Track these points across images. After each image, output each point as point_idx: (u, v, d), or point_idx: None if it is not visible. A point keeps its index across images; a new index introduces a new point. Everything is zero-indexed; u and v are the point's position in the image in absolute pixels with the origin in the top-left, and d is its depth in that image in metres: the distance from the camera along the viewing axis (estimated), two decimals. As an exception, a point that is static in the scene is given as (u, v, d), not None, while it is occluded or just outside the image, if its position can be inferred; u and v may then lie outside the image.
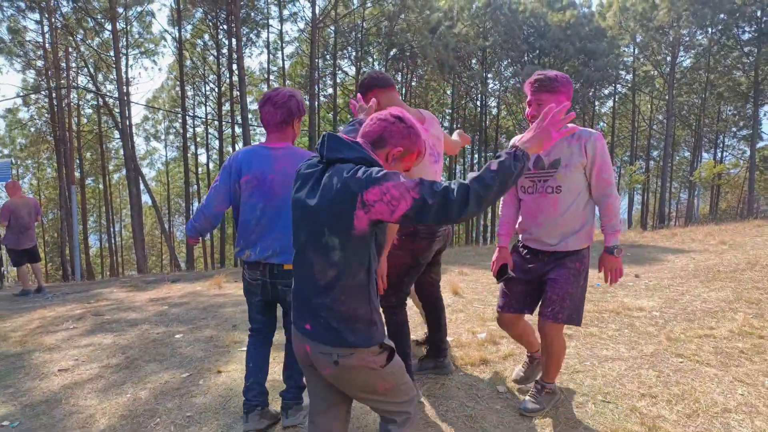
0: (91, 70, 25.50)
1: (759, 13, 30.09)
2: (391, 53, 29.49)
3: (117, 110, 23.87)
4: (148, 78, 63.95)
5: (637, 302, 5.15)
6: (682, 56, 33.49)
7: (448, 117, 34.64)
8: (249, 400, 2.84)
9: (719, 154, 38.24)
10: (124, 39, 24.94)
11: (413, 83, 33.27)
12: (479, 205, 1.58)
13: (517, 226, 2.95)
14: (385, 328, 1.93)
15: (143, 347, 4.41)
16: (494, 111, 36.55)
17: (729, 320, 4.36)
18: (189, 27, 27.51)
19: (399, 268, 2.95)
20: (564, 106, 1.87)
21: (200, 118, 33.05)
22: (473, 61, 33.09)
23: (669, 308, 4.90)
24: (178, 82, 28.32)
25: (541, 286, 2.88)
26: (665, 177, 33.35)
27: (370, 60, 31.47)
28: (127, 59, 25.19)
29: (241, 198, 2.76)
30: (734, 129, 36.79)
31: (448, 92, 33.91)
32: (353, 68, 30.46)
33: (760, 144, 35.57)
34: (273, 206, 2.69)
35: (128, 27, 24.95)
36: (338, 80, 29.70)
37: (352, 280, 1.67)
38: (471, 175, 1.62)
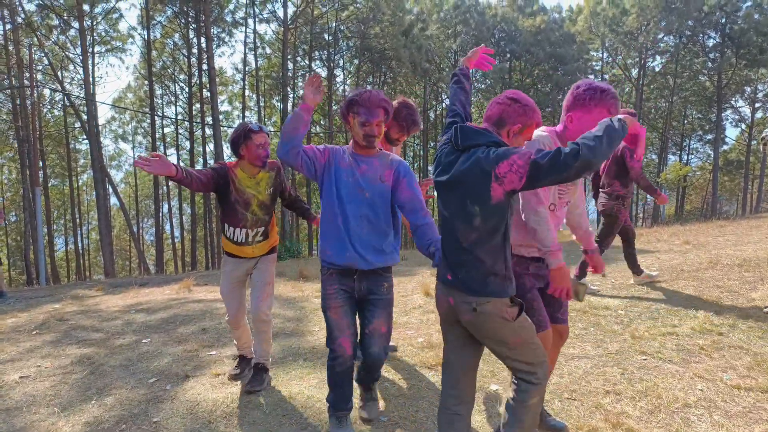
0: (56, 68, 24.85)
1: (723, 20, 31.08)
2: (364, 55, 29.51)
3: (83, 110, 23.34)
4: (115, 77, 62.55)
5: (604, 301, 5.26)
6: (650, 61, 34.36)
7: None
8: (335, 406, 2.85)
9: (685, 157, 39.31)
10: (91, 37, 24.34)
11: (385, 86, 33.35)
12: (592, 154, 1.83)
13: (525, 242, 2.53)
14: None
15: (109, 353, 4.32)
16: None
17: (691, 318, 4.49)
18: (159, 26, 27.03)
19: None
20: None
21: (170, 118, 32.53)
22: (442, 63, 33.36)
23: (634, 307, 5.01)
24: (146, 82, 27.81)
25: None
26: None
27: (342, 62, 31.46)
28: (93, 58, 24.62)
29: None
30: (700, 132, 37.86)
31: (419, 93, 34.08)
32: (326, 70, 30.37)
33: (723, 147, 36.76)
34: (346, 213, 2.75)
35: (93, 24, 24.36)
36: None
37: (490, 241, 2.01)
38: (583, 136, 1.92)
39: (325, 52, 29.36)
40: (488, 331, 2.08)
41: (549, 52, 30.24)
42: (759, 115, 34.87)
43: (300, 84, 29.76)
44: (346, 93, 2.73)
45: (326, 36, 28.77)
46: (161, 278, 9.69)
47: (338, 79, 31.84)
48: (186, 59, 28.17)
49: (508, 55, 31.89)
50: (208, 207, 29.37)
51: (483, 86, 33.55)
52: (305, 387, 3.45)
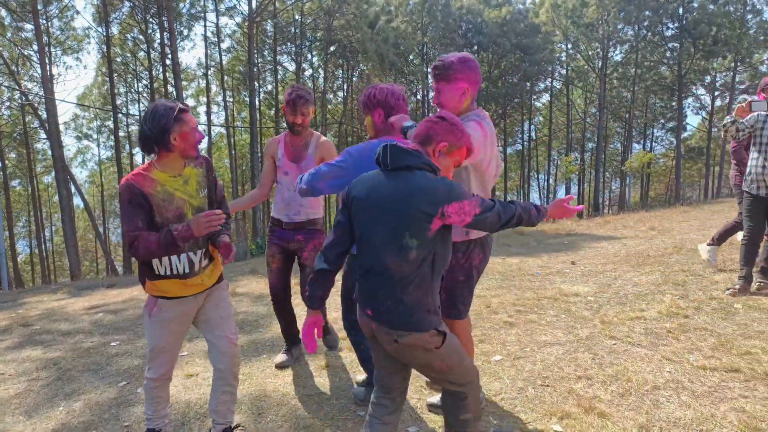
0: (11, 65, 23.98)
1: (681, 11, 31.84)
2: (331, 49, 29.31)
3: (43, 108, 22.60)
4: (74, 75, 60.74)
5: (573, 288, 5.36)
6: (612, 52, 34.99)
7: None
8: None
9: (649, 145, 40.24)
10: (47, 36, 23.54)
11: (354, 79, 33.20)
12: (505, 226, 2.03)
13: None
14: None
15: (76, 358, 4.21)
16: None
17: (658, 302, 4.60)
18: (116, 22, 26.27)
19: None
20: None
21: (134, 116, 31.76)
22: (411, 56, 33.38)
23: (603, 293, 5.12)
24: (108, 79, 27.06)
25: None
26: (598, 167, 34.81)
27: (310, 56, 31.18)
28: (50, 56, 23.81)
29: None
30: (662, 121, 38.80)
31: (390, 87, 34.00)
32: (293, 64, 30.07)
33: (685, 134, 37.78)
34: None
35: (48, 23, 23.56)
36: (279, 76, 29.21)
37: (418, 273, 1.94)
38: (515, 203, 2.04)
39: (292, 45, 29.03)
40: (412, 358, 2.03)
41: (515, 43, 30.53)
42: (719, 102, 35.91)
43: (269, 78, 29.44)
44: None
45: (292, 29, 28.44)
46: (129, 279, 9.48)
47: (306, 74, 31.57)
48: (146, 55, 27.50)
49: (476, 47, 32.07)
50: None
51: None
52: (280, 384, 3.42)
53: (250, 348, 4.18)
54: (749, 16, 31.53)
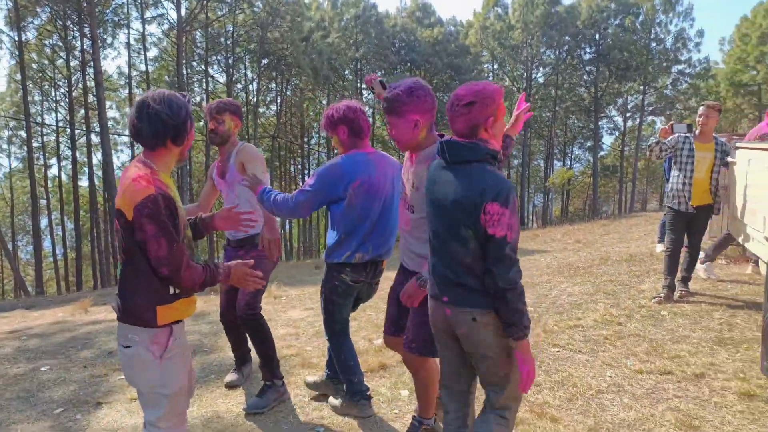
0: None
1: (597, 37, 34.13)
2: (264, 61, 28.99)
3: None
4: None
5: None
6: (535, 73, 36.88)
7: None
8: (366, 391, 3.07)
9: (569, 163, 42.52)
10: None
11: (288, 93, 32.97)
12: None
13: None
14: None
15: (2, 384, 3.88)
16: (370, 120, 37.38)
17: (592, 311, 4.88)
18: (33, 28, 24.74)
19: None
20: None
21: (49, 125, 29.87)
22: (346, 71, 33.63)
23: (541, 303, 5.36)
24: (20, 86, 25.34)
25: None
26: (524, 183, 36.39)
27: (242, 68, 30.67)
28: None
29: (351, 203, 2.76)
30: (580, 140, 41.16)
31: (324, 102, 34.05)
32: (224, 75, 29.44)
33: (601, 153, 40.27)
34: (384, 207, 2.83)
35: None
36: (210, 88, 28.50)
37: (479, 262, 1.97)
38: None
39: (223, 56, 28.45)
40: (483, 342, 2.01)
41: (446, 62, 31.51)
42: (630, 123, 38.61)
43: (197, 89, 28.65)
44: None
45: (223, 40, 27.90)
46: (50, 299, 8.88)
47: (239, 86, 31.00)
48: (65, 62, 26.03)
49: (409, 65, 32.79)
50: (95, 221, 27.25)
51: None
52: (233, 404, 3.33)
53: (197, 369, 4.03)
54: (653, 45, 34.27)
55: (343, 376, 3.04)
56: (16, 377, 4.03)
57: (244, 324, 3.24)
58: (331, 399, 3.20)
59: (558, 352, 3.92)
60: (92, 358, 4.40)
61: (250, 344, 3.51)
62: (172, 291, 1.97)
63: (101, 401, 3.47)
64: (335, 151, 3.01)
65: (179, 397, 2.02)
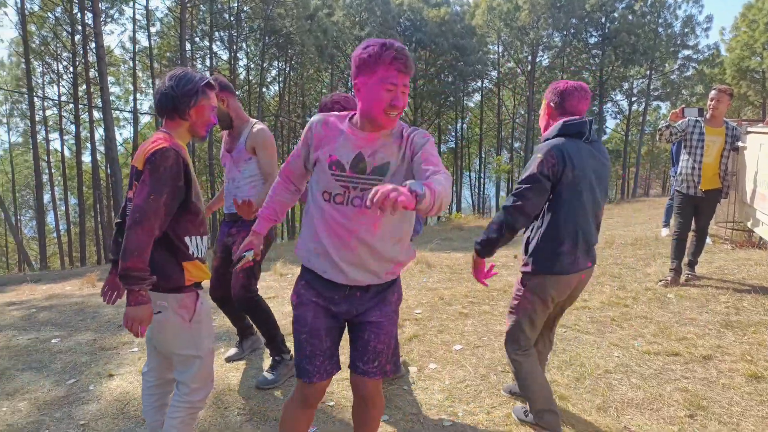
0: None
1: (603, 20, 33.72)
2: (268, 40, 28.71)
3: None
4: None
5: (520, 281, 5.59)
6: (540, 56, 36.53)
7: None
8: None
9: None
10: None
11: (291, 73, 32.69)
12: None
13: (304, 248, 2.04)
14: None
15: (13, 356, 3.92)
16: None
17: (599, 293, 4.90)
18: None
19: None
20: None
21: (51, 99, 29.71)
22: (349, 50, 33.33)
23: (547, 285, 5.37)
24: (23, 59, 25.14)
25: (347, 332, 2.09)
26: (527, 166, 36.22)
27: (245, 45, 30.38)
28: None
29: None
30: (584, 124, 40.84)
31: (326, 81, 33.81)
32: (227, 52, 29.18)
33: (604, 137, 40.04)
34: None
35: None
36: (212, 64, 28.27)
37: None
38: None
39: (227, 33, 28.17)
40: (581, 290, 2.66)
41: (452, 43, 31.22)
42: (635, 107, 38.36)
43: (200, 65, 28.42)
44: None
45: (227, 16, 27.59)
46: (56, 274, 8.93)
47: (241, 63, 30.75)
48: (70, 36, 25.78)
49: (414, 45, 32.47)
50: (98, 196, 27.25)
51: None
52: (244, 378, 3.36)
53: (206, 342, 4.07)
54: (660, 29, 33.89)
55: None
56: (27, 348, 4.07)
57: (240, 306, 3.23)
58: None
59: (565, 332, 3.95)
60: (102, 331, 4.44)
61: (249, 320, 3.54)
62: (188, 251, 2.08)
63: (113, 373, 3.50)
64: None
65: (208, 358, 2.18)
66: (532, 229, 2.52)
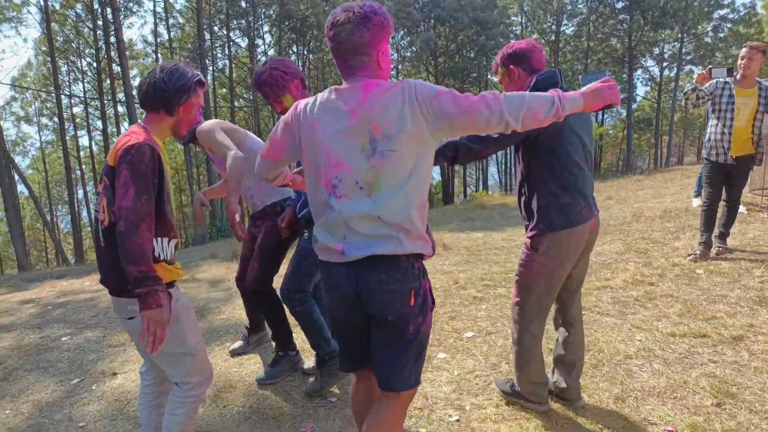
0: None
1: (631, -18, 32.30)
2: (286, 24, 28.49)
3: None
4: (11, 52, 57.22)
5: (540, 260, 5.35)
6: (565, 24, 35.36)
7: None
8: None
9: (600, 116, 41.09)
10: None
11: (310, 57, 32.46)
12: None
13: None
14: None
15: (23, 355, 3.93)
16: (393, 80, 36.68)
17: (622, 271, 4.64)
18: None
19: None
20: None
21: (77, 96, 30.22)
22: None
23: (568, 264, 5.13)
24: (48, 58, 25.56)
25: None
26: (555, 140, 35.34)
27: (262, 31, 30.25)
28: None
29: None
30: (613, 92, 39.55)
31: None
32: (245, 39, 29.10)
33: (634, 105, 38.73)
34: None
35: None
36: (232, 52, 28.26)
37: None
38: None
39: (244, 21, 28.06)
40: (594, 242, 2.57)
41: (472, 17, 30.33)
42: (667, 73, 36.88)
43: (219, 54, 28.47)
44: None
45: (243, 3, 27.45)
46: (81, 269, 9.04)
47: (259, 50, 30.65)
48: (91, 32, 26.07)
49: (433, 21, 31.75)
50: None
51: (409, 53, 33.38)
52: (245, 373, 3.27)
53: (212, 336, 4.00)
54: (692, -12, 32.29)
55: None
56: (37, 347, 4.07)
57: (251, 298, 3.20)
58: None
59: (584, 315, 3.71)
60: (111, 327, 4.42)
61: None
62: (156, 251, 1.93)
63: (117, 371, 3.46)
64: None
65: (199, 351, 2.09)
66: (527, 192, 2.40)
